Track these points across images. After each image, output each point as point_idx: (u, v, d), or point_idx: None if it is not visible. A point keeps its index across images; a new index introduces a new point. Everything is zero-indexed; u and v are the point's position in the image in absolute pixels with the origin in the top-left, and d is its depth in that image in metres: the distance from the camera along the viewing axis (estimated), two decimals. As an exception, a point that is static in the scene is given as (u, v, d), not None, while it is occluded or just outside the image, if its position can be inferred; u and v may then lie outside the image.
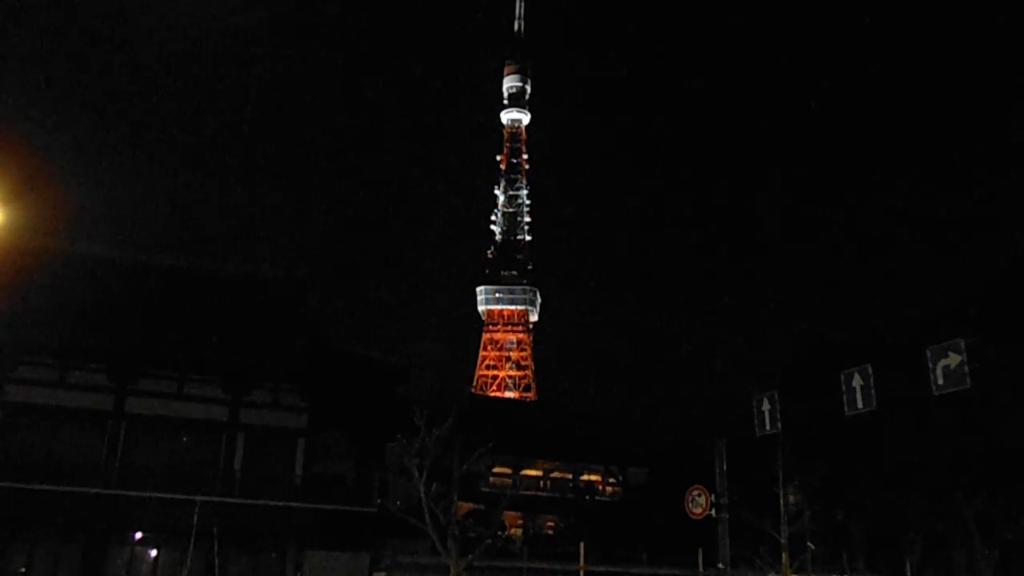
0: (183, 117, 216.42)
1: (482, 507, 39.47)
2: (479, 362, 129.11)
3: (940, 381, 15.65)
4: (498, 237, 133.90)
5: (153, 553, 28.78)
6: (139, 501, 27.51)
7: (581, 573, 27.88)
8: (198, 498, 26.99)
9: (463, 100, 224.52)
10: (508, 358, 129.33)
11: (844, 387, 17.56)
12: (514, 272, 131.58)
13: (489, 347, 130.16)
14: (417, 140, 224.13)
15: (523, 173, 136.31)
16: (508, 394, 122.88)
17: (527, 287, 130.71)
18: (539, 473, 54.89)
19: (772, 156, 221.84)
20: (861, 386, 17.32)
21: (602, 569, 32.11)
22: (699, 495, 21.89)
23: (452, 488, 24.16)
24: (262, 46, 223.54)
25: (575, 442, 52.44)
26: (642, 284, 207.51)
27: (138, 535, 28.55)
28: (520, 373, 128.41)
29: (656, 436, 50.03)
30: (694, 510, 21.94)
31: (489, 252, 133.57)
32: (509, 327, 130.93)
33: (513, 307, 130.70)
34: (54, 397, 28.75)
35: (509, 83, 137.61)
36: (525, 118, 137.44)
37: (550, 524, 50.02)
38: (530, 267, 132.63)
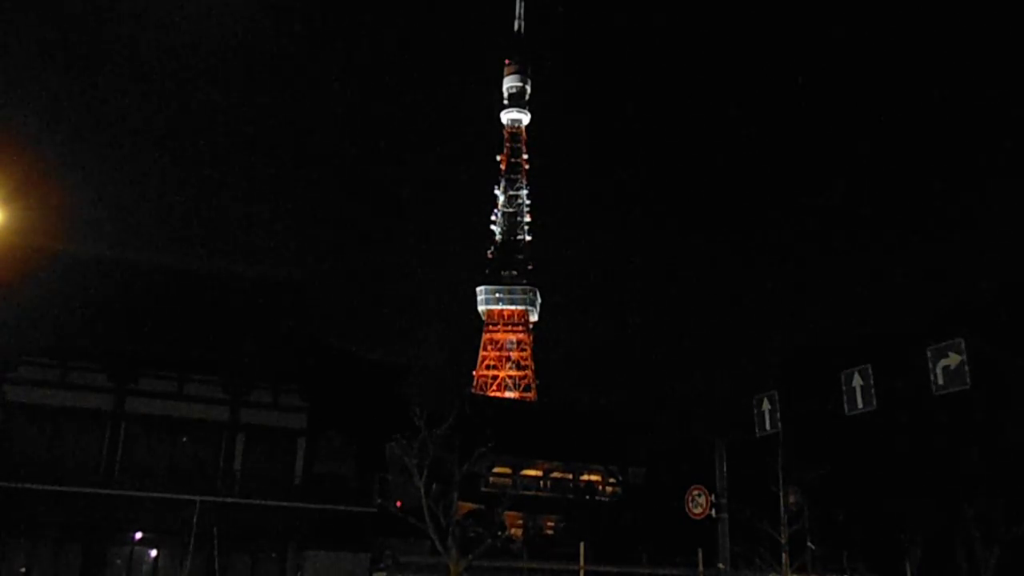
0: (183, 117, 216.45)
1: (482, 507, 39.45)
2: (479, 362, 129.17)
3: (940, 381, 15.60)
4: (498, 237, 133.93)
5: (153, 553, 28.83)
6: (139, 501, 27.55)
7: (581, 573, 27.90)
8: (198, 498, 27.03)
9: (463, 100, 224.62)
10: (508, 358, 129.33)
11: (844, 387, 17.50)
12: (514, 272, 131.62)
13: (489, 347, 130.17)
14: (417, 140, 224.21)
15: (523, 173, 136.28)
16: (508, 394, 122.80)
17: (527, 287, 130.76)
18: (539, 473, 54.90)
19: (772, 156, 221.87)
20: (861, 386, 17.28)
21: (602, 569, 32.06)
22: (699, 495, 21.83)
23: (452, 488, 24.15)
24: (262, 47, 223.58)
25: (575, 442, 52.43)
26: (642, 284, 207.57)
27: (138, 535, 28.58)
28: (520, 373, 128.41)
29: (656, 436, 49.91)
30: (694, 510, 21.89)
31: (489, 252, 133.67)
32: (509, 327, 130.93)
33: (513, 307, 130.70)
34: (54, 397, 28.77)
35: (509, 83, 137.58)
36: (525, 118, 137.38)
37: (550, 524, 49.97)
38: (530, 267, 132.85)
